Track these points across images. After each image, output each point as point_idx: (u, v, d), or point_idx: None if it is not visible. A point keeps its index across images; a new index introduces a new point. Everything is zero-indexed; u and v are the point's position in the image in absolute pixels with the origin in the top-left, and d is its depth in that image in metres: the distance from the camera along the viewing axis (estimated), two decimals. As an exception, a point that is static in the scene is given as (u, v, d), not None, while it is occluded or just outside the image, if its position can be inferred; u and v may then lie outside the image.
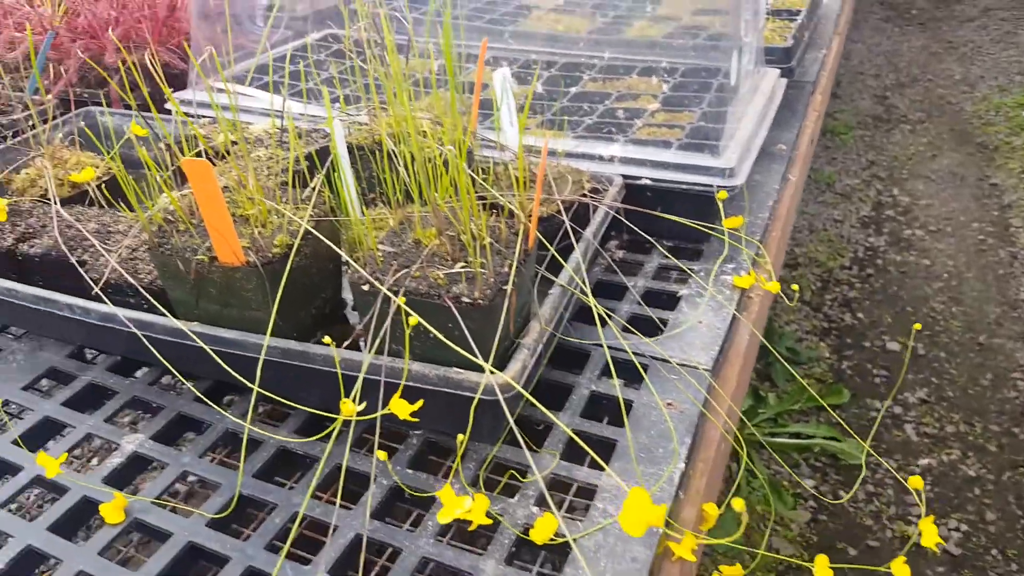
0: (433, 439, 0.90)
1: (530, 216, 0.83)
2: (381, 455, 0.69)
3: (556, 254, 0.93)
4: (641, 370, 0.97)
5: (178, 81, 1.59)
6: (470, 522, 0.71)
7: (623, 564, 0.74)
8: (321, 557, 0.74)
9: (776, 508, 2.12)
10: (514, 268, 0.77)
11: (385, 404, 0.71)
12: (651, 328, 1.05)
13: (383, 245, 0.81)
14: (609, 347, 1.01)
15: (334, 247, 0.73)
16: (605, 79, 1.47)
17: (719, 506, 0.86)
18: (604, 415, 0.96)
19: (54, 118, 1.33)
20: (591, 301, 0.90)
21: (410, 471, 0.85)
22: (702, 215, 1.15)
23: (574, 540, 0.77)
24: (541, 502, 0.81)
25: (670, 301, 1.11)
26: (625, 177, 1.14)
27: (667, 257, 1.19)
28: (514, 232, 0.83)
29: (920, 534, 0.76)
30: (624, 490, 0.82)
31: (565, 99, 1.41)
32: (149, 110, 1.37)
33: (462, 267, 0.76)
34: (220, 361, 0.78)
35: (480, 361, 0.72)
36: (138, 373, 1.02)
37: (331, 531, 0.75)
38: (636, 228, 1.08)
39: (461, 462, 0.86)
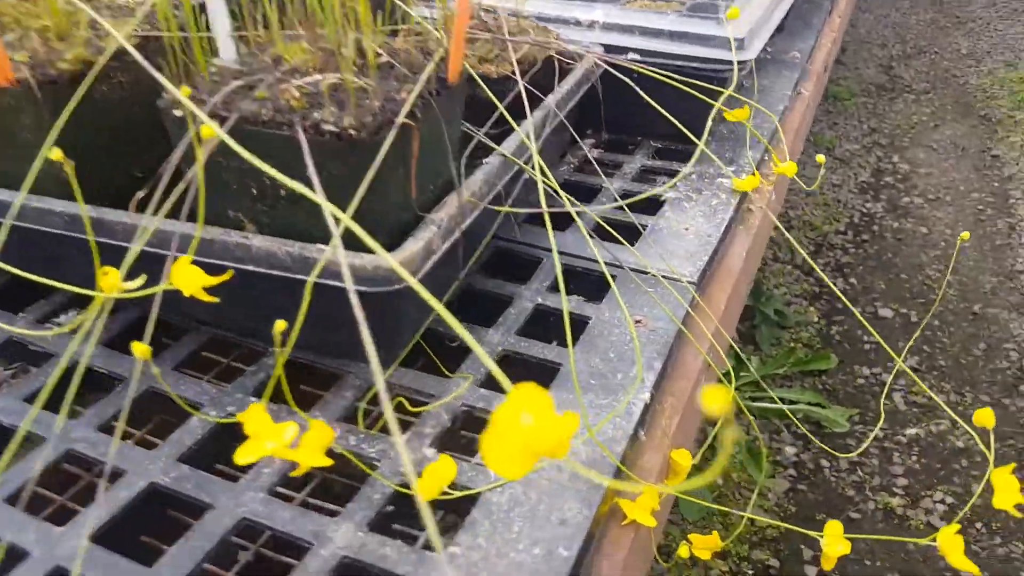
0: (303, 360, 0.62)
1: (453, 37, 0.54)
2: (140, 350, 0.41)
3: (507, 115, 0.65)
4: (610, 279, 0.69)
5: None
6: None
7: (546, 529, 0.47)
8: (88, 514, 0.47)
9: (754, 476, 1.87)
10: (414, 93, 0.48)
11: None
12: (626, 237, 0.77)
13: (223, 62, 0.52)
14: (566, 253, 0.74)
15: (150, 68, 0.44)
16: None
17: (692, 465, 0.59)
18: (553, 337, 0.68)
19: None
20: (538, 175, 0.62)
21: (253, 398, 0.57)
22: (701, 104, 0.86)
23: (478, 494, 0.50)
24: (441, 444, 0.54)
25: (652, 206, 0.83)
26: (607, 49, 0.85)
27: (654, 158, 0.91)
28: (428, 53, 0.54)
29: (992, 487, 0.49)
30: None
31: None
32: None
33: (331, 83, 0.48)
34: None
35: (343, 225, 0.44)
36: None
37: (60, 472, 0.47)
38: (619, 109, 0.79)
39: (335, 391, 0.58)
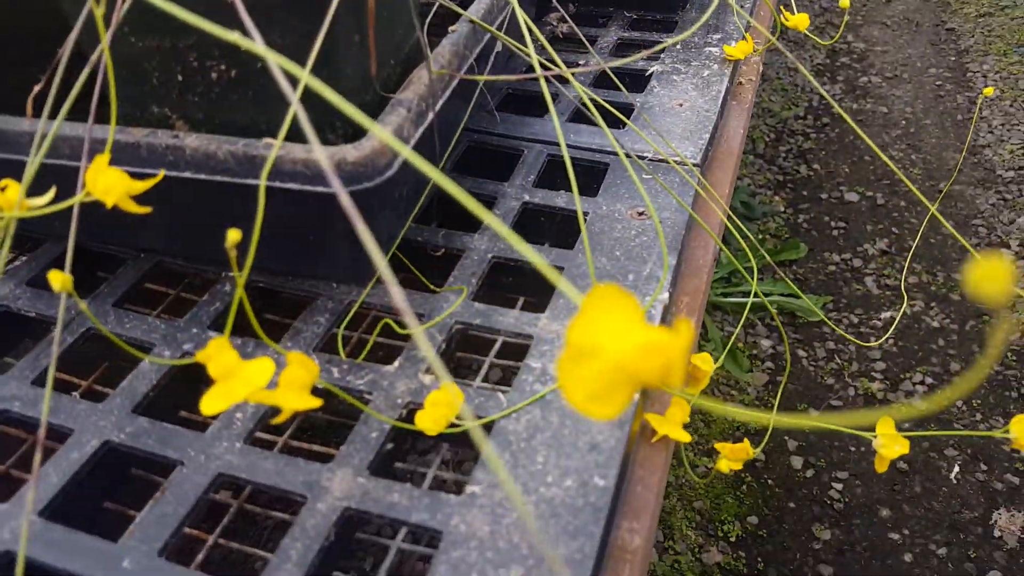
0: (262, 283, 0.53)
1: None
2: (58, 280, 0.32)
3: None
4: (629, 164, 0.61)
5: None
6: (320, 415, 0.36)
7: (575, 456, 0.41)
8: (30, 487, 0.39)
9: (731, 371, 1.86)
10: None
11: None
12: (609, 119, 0.69)
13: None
14: (547, 141, 0.65)
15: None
16: None
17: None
18: (543, 239, 0.61)
19: None
20: (525, 48, 0.53)
21: (213, 332, 0.49)
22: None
23: (491, 423, 0.43)
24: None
25: (637, 83, 0.74)
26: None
27: (630, 29, 0.82)
28: None
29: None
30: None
31: None
32: None
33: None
34: None
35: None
36: None
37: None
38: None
39: (306, 318, 0.50)
